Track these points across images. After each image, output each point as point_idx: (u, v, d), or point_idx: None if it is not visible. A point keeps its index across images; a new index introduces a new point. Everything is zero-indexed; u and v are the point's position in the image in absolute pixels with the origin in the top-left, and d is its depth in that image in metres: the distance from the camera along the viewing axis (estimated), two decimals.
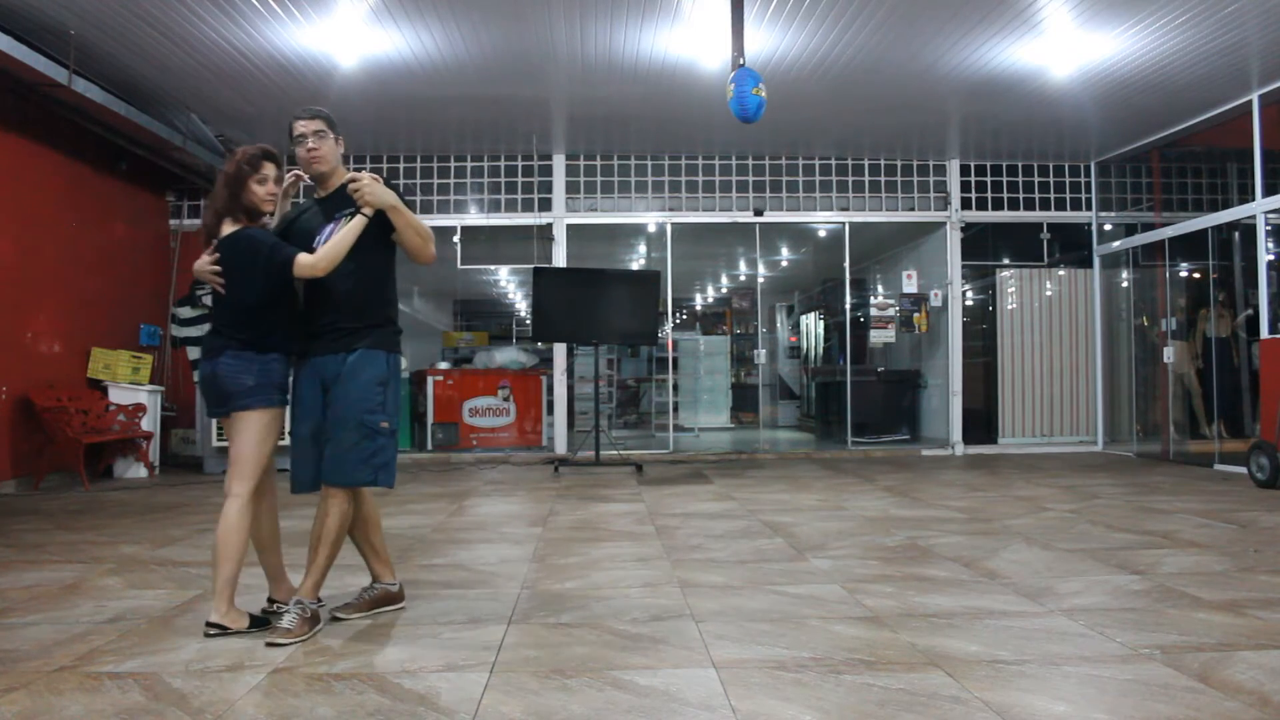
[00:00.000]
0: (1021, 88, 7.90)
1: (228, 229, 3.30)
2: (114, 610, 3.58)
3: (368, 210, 3.29)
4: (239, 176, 3.30)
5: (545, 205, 10.35)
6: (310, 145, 3.36)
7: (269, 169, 3.35)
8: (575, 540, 5.09)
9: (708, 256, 14.65)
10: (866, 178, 10.55)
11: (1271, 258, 8.07)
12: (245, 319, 3.29)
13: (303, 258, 3.23)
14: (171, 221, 10.08)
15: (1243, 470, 7.56)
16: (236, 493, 3.22)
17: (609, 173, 10.42)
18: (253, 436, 3.25)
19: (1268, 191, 7.94)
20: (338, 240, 3.26)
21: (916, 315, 10.93)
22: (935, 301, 10.77)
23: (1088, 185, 10.61)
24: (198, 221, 10.06)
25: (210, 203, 3.39)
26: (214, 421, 8.65)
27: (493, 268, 14.29)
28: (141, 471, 8.48)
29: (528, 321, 16.17)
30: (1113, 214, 10.50)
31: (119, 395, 8.40)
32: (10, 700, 2.58)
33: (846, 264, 10.91)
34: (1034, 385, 10.73)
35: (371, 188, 3.28)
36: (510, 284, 16.88)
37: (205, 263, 3.32)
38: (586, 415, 11.26)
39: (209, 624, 3.19)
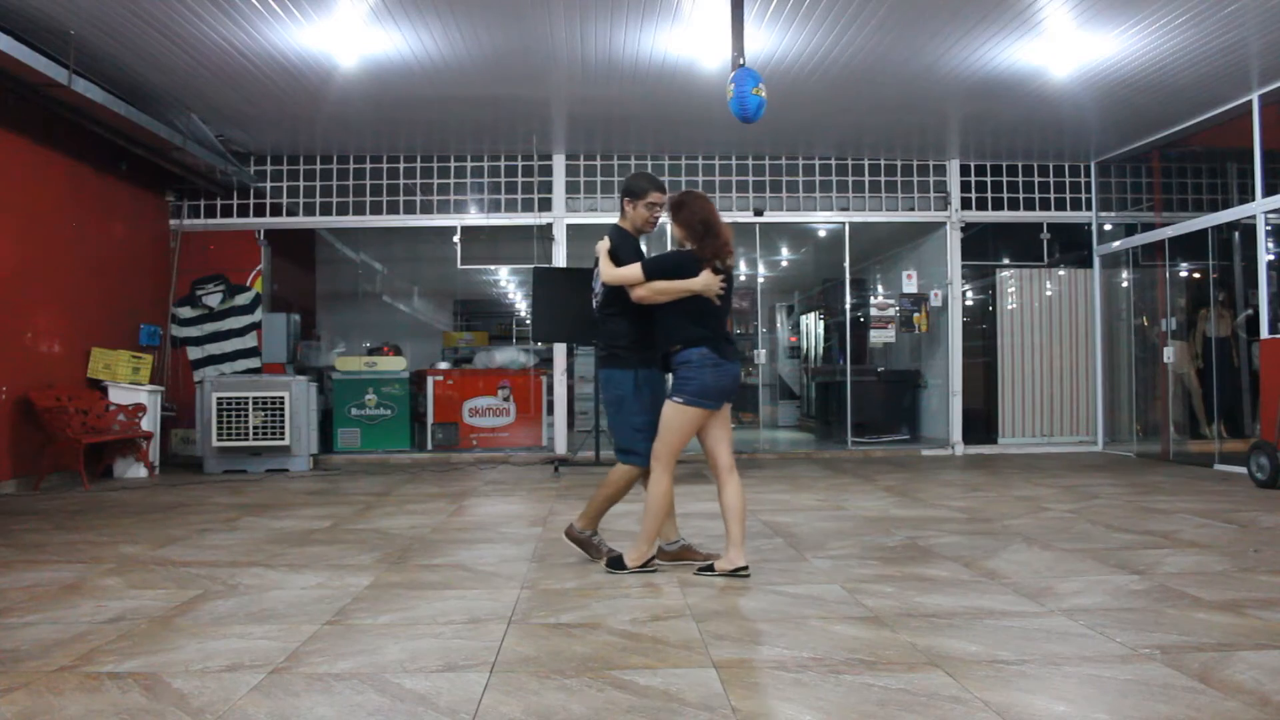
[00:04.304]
0: (1021, 88, 7.90)
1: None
2: (114, 610, 3.58)
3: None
4: None
5: (545, 205, 10.34)
6: (659, 214, 4.52)
7: None
8: None
9: None
10: (866, 178, 10.55)
11: (1271, 258, 8.06)
12: None
13: None
14: (171, 221, 10.06)
15: (1243, 470, 7.55)
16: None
17: (609, 173, 10.41)
18: None
19: (1268, 191, 7.94)
20: None
21: (916, 315, 10.92)
22: (935, 301, 10.77)
23: (1088, 185, 10.60)
24: (198, 221, 10.11)
25: (722, 239, 4.20)
26: (215, 422, 8.67)
27: (493, 268, 14.28)
28: (141, 471, 8.48)
29: (528, 321, 16.15)
30: (1113, 214, 10.50)
31: (119, 395, 8.39)
32: (10, 700, 2.58)
33: (846, 264, 10.91)
34: (1034, 385, 10.73)
35: None
36: (510, 284, 16.87)
37: (717, 282, 4.14)
38: (586, 415, 11.25)
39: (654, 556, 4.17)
